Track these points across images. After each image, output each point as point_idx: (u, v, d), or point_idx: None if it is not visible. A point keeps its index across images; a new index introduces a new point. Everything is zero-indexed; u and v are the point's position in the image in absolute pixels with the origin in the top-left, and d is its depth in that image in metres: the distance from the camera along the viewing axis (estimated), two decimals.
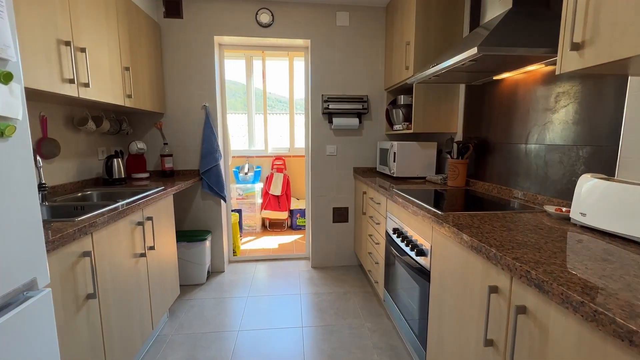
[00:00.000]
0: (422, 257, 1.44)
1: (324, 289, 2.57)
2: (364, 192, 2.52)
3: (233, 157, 4.25)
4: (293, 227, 4.22)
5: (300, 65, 4.28)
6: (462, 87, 2.18)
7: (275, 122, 7.06)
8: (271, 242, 3.73)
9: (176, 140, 2.69)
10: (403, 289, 1.70)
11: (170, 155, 2.60)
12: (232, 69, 4.60)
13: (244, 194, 4.04)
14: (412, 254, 1.53)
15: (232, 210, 3.47)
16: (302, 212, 4.19)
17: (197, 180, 2.60)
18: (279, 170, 4.28)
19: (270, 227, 4.26)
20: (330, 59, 2.75)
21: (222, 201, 2.81)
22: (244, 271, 2.91)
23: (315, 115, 2.80)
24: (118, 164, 2.19)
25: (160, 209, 1.91)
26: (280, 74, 4.55)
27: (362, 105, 2.75)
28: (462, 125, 2.19)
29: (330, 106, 2.71)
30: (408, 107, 2.56)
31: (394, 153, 2.36)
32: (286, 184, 4.19)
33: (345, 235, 2.99)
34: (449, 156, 2.29)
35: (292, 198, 4.32)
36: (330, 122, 2.78)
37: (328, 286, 2.61)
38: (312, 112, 2.80)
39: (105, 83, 1.75)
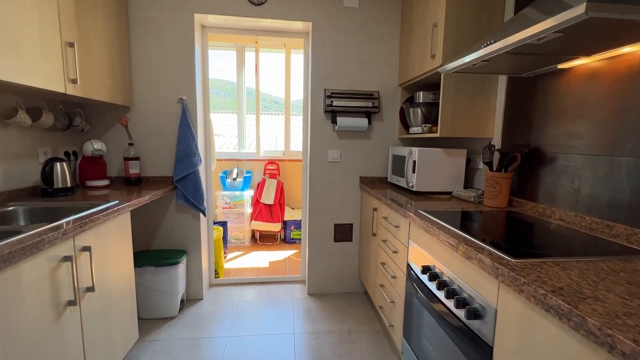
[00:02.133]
0: (477, 321, 0.98)
1: (324, 325, 2.09)
2: (375, 209, 2.06)
3: (220, 160, 3.76)
4: (287, 241, 3.74)
5: (298, 59, 3.82)
6: (502, 81, 1.74)
7: (269, 123, 6.59)
8: (261, 258, 3.25)
9: (145, 140, 2.20)
10: (434, 347, 1.24)
11: (137, 159, 2.11)
12: (221, 63, 4.13)
13: (231, 203, 3.55)
14: (458, 312, 1.07)
15: (216, 224, 2.98)
16: (297, 224, 3.72)
17: (170, 190, 2.12)
18: (272, 176, 3.81)
19: (260, 239, 3.78)
20: (334, 47, 2.29)
21: (201, 215, 2.33)
22: (226, 298, 2.42)
23: (316, 113, 2.34)
24: (62, 170, 1.69)
25: (106, 233, 1.42)
26: (275, 71, 4.09)
27: (373, 103, 2.29)
28: (501, 128, 1.75)
29: (335, 103, 2.25)
30: (429, 105, 2.11)
31: (414, 162, 1.91)
32: (280, 192, 3.72)
33: (349, 257, 2.53)
34: (486, 167, 1.84)
35: (286, 207, 3.84)
36: (334, 122, 2.32)
37: (328, 322, 2.13)
38: (312, 109, 2.34)
39: (28, 59, 1.26)
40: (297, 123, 5.92)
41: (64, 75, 1.47)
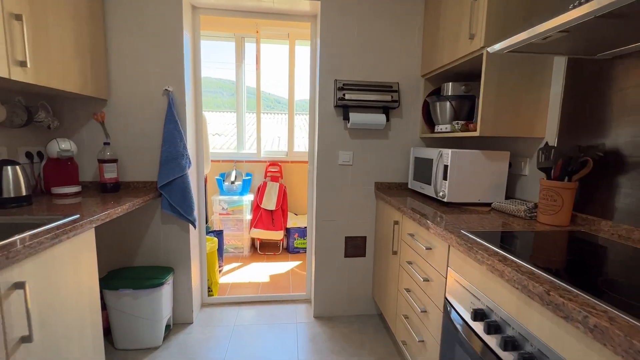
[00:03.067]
0: None
1: None
2: (396, 223, 1.72)
3: (216, 161, 3.44)
4: (289, 250, 3.41)
5: (303, 52, 3.49)
6: (559, 67, 1.40)
7: (271, 123, 6.25)
8: (261, 271, 2.92)
9: (125, 139, 1.88)
10: None
11: (114, 161, 1.78)
12: (221, 55, 3.81)
13: (228, 208, 3.23)
14: None
15: (210, 233, 2.65)
16: (302, 232, 3.39)
17: (154, 198, 1.80)
18: (274, 179, 3.48)
19: (261, 248, 3.45)
20: (346, 31, 1.96)
21: (191, 226, 2.00)
22: (220, 322, 2.09)
23: (325, 109, 2.01)
24: (14, 175, 1.37)
25: (57, 258, 1.09)
26: (278, 65, 3.77)
27: (391, 97, 1.96)
28: (557, 126, 1.40)
29: (347, 96, 1.91)
30: (460, 99, 1.77)
31: (445, 166, 1.57)
32: (282, 197, 3.39)
33: (362, 275, 2.19)
34: (536, 174, 1.50)
35: (289, 213, 3.51)
36: (346, 118, 1.98)
37: (340, 355, 1.80)
38: (321, 104, 2.00)
39: None
40: (302, 123, 5.58)
41: (8, 56, 1.15)
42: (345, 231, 2.13)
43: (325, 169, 2.06)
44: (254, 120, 3.55)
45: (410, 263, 1.53)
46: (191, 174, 2.01)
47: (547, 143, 1.33)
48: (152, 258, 1.98)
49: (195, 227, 1.96)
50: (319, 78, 1.98)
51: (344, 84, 1.92)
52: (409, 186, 2.01)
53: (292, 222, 3.43)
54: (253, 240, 3.47)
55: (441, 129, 1.85)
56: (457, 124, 1.69)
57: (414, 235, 1.50)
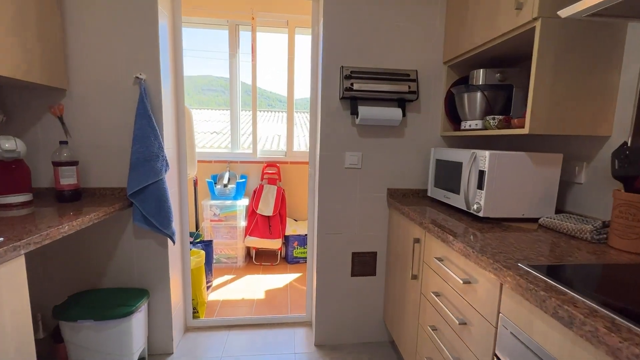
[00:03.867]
0: None
1: None
2: (417, 241, 1.40)
3: (206, 162, 3.12)
4: (288, 260, 3.10)
5: (303, 41, 3.17)
6: (636, 43, 1.08)
7: (268, 120, 5.93)
8: (256, 285, 2.61)
9: (89, 138, 1.56)
10: None
11: (73, 164, 1.47)
12: (214, 43, 3.51)
13: (220, 215, 2.92)
14: None
15: (197, 244, 2.34)
16: (302, 240, 3.07)
17: (122, 209, 1.48)
18: (272, 181, 3.17)
19: (257, 258, 3.13)
20: (355, 9, 1.64)
21: (169, 240, 1.69)
22: (206, 352, 1.78)
23: (329, 102, 1.69)
24: None
25: None
26: (276, 58, 3.45)
27: (409, 87, 1.63)
28: (632, 121, 1.08)
29: (356, 86, 1.59)
30: (495, 89, 1.45)
31: (481, 172, 1.25)
32: (280, 201, 3.08)
33: (371, 297, 1.88)
34: (609, 184, 1.18)
35: (287, 219, 3.20)
36: (354, 113, 1.66)
37: None
38: (324, 96, 1.68)
39: None
40: (302, 121, 5.28)
41: None
42: (352, 246, 1.82)
43: (329, 173, 1.74)
44: (250, 117, 3.23)
45: (437, 295, 1.21)
46: (170, 178, 1.70)
47: (625, 143, 1.01)
48: (124, 278, 1.67)
49: (174, 242, 1.64)
50: (322, 65, 1.66)
51: (351, 72, 1.60)
52: (429, 194, 1.69)
53: (292, 229, 3.12)
54: (248, 249, 3.16)
55: (469, 126, 1.53)
56: (494, 119, 1.36)
57: (442, 261, 1.18)
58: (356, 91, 1.59)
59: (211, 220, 2.91)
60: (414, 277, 1.42)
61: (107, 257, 1.64)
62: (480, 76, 1.50)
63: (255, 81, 3.06)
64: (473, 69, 1.58)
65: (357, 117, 1.65)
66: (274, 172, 3.18)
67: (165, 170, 1.58)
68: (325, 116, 1.70)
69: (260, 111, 3.15)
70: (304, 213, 3.35)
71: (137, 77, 1.52)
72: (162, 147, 1.56)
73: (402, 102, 1.68)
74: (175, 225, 1.78)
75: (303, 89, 3.56)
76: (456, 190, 1.42)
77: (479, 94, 1.48)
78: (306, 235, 3.09)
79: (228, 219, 2.92)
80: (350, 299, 1.86)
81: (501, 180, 1.23)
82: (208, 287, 2.36)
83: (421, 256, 1.37)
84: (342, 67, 1.62)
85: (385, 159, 1.76)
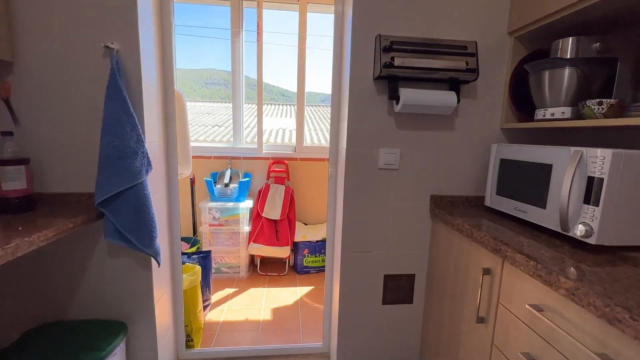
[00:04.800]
0: None
1: None
2: (487, 271, 1.02)
3: (207, 157, 2.75)
4: (297, 269, 2.74)
5: (317, 20, 2.77)
6: None
7: (272, 115, 5.53)
8: (261, 302, 2.25)
9: (44, 127, 1.19)
10: None
11: (23, 163, 1.10)
12: (212, 24, 3.12)
13: (220, 218, 2.55)
14: None
15: (192, 257, 1.97)
16: (313, 247, 2.71)
17: (91, 221, 1.12)
18: (279, 180, 2.79)
19: (262, 267, 2.77)
20: None
21: (154, 261, 1.32)
22: None
23: (360, 83, 1.30)
24: None
25: None
26: (284, 44, 3.05)
27: (466, 62, 1.24)
28: None
29: (397, 61, 1.20)
30: (593, 64, 1.06)
31: (591, 180, 0.86)
32: (289, 203, 2.71)
33: (406, 328, 1.51)
34: None
35: (297, 223, 2.83)
36: (394, 97, 1.28)
37: None
38: (353, 77, 1.29)
39: None
40: (313, 115, 4.90)
41: None
42: (384, 267, 1.44)
43: (357, 175, 1.36)
44: (253, 110, 2.84)
45: (530, 359, 0.83)
46: (154, 180, 1.32)
47: None
48: (96, 308, 1.31)
49: (159, 263, 1.27)
50: (350, 34, 1.27)
51: (392, 43, 1.21)
52: (488, 204, 1.31)
53: (301, 234, 2.75)
54: (252, 257, 2.80)
55: (552, 115, 1.14)
56: (600, 104, 0.97)
57: (543, 311, 0.80)
58: (398, 68, 1.20)
59: (210, 225, 2.54)
60: (481, 320, 1.04)
61: (73, 283, 1.28)
62: (569, 47, 1.10)
63: (261, 64, 2.66)
64: (550, 39, 1.19)
65: (396, 103, 1.27)
66: (282, 169, 2.80)
67: (147, 171, 1.20)
68: (354, 102, 1.31)
69: (264, 104, 2.76)
70: (316, 216, 2.98)
71: (107, 47, 1.14)
72: (142, 140, 1.18)
73: (455, 84, 1.29)
74: (163, 240, 1.41)
75: (312, 81, 3.17)
76: (539, 203, 1.03)
77: (567, 71, 1.09)
78: (318, 242, 2.73)
79: (229, 224, 2.56)
80: (380, 332, 1.49)
81: (627, 193, 0.84)
82: (205, 307, 2.01)
83: (494, 294, 0.99)
84: (380, 36, 1.23)
85: (429, 158, 1.38)
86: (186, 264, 1.81)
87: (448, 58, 1.22)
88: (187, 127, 1.84)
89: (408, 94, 1.22)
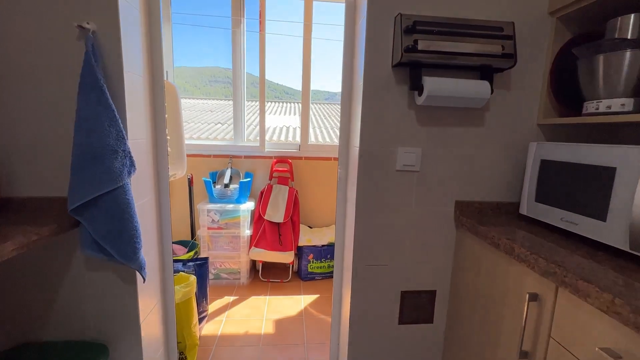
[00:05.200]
0: None
1: None
2: (533, 297, 0.84)
3: (206, 156, 2.59)
4: (302, 276, 2.57)
5: (323, 8, 2.59)
6: None
7: (275, 112, 5.36)
8: (262, 312, 2.08)
9: (7, 122, 1.03)
10: None
11: None
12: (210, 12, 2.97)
13: (220, 221, 2.39)
14: None
15: (187, 265, 1.81)
16: (318, 252, 2.54)
17: (64, 230, 0.95)
18: (282, 180, 2.63)
19: (264, 272, 2.61)
20: None
21: (139, 275, 1.16)
22: None
23: (376, 71, 1.12)
24: None
25: None
26: (286, 49, 2.88)
27: (502, 46, 1.05)
28: None
29: (422, 44, 1.02)
30: None
31: None
32: (293, 205, 2.54)
33: (427, 351, 1.33)
34: None
35: (301, 226, 2.66)
36: (416, 87, 1.10)
37: None
38: (368, 63, 1.12)
39: None
40: (319, 112, 4.75)
41: None
42: (401, 282, 1.27)
43: (372, 178, 1.18)
44: (254, 107, 2.68)
45: None
46: (139, 183, 1.16)
47: None
48: (75, 327, 1.15)
49: (144, 278, 1.11)
50: (366, 12, 1.09)
51: (415, 23, 1.03)
52: (524, 212, 1.13)
53: (306, 238, 2.58)
54: (254, 262, 2.63)
55: (609, 107, 0.95)
56: None
57: (622, 358, 0.62)
58: (422, 53, 1.02)
59: (209, 228, 2.38)
60: (524, 355, 0.86)
61: (47, 299, 1.12)
62: (631, 25, 0.92)
63: (264, 55, 2.49)
64: (598, 21, 1.00)
65: (419, 94, 1.09)
66: (286, 169, 2.63)
67: (129, 173, 1.04)
68: (369, 93, 1.13)
69: (267, 102, 2.60)
70: (321, 219, 2.81)
71: (82, 28, 0.97)
72: (124, 137, 1.01)
73: (487, 72, 1.11)
74: (151, 249, 1.25)
75: (317, 79, 2.98)
76: (596, 214, 0.85)
77: (628, 55, 0.91)
78: (324, 246, 2.57)
79: (229, 227, 2.40)
80: (396, 354, 1.32)
81: None
82: (202, 319, 1.85)
83: (543, 325, 0.81)
84: (401, 15, 1.05)
85: (455, 158, 1.20)
86: (180, 273, 1.65)
87: (481, 41, 1.04)
88: (181, 123, 1.68)
89: (434, 84, 1.04)
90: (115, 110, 0.99)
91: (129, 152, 1.04)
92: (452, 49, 1.02)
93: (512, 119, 1.19)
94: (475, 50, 1.03)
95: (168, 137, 1.44)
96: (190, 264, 1.83)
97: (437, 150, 1.19)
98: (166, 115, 1.42)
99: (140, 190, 1.16)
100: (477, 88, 1.06)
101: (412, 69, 1.08)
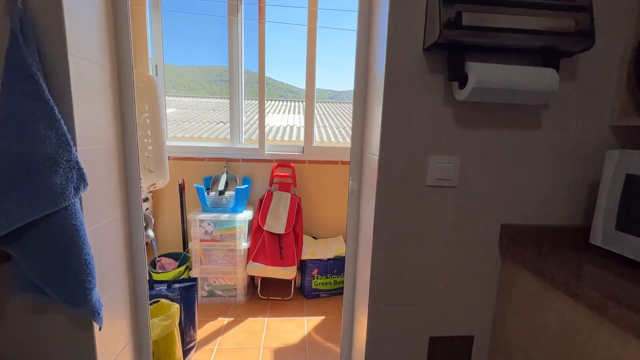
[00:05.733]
0: None
1: None
2: None
3: (200, 159, 2.34)
4: (305, 293, 2.31)
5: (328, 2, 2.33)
6: None
7: (276, 111, 5.10)
8: (260, 339, 1.83)
9: None
10: None
11: None
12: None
13: (214, 232, 2.14)
14: None
15: (171, 287, 1.55)
16: (324, 266, 2.28)
17: None
18: (284, 187, 2.37)
19: (263, 289, 2.35)
20: None
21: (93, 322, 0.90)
22: None
23: (402, 56, 0.85)
24: None
25: None
26: (288, 42, 2.62)
27: (576, 22, 0.78)
28: None
29: (467, 18, 0.75)
30: None
31: None
32: (296, 214, 2.28)
33: None
34: None
35: (304, 237, 2.40)
36: (458, 77, 0.83)
37: None
38: (392, 46, 0.85)
39: None
40: (324, 111, 4.52)
41: None
42: (430, 326, 1.00)
43: (395, 194, 0.92)
44: (253, 106, 2.42)
45: None
46: (103, 200, 0.90)
47: None
48: None
49: (100, 326, 0.86)
50: None
51: None
52: (598, 242, 0.85)
53: (310, 251, 2.32)
54: (252, 277, 2.38)
55: None
56: None
57: None
58: (467, 30, 0.75)
59: (201, 240, 2.13)
60: None
61: None
62: None
63: (264, 47, 2.23)
64: None
65: (460, 87, 0.82)
66: (287, 174, 2.37)
67: (77, 189, 0.79)
68: (392, 85, 0.87)
69: (268, 100, 2.34)
70: (326, 229, 2.55)
71: (9, 1, 0.72)
72: (68, 144, 0.76)
73: (552, 57, 0.84)
74: (119, 281, 1.00)
75: (321, 78, 2.71)
76: None
77: None
78: (329, 260, 2.30)
79: (224, 239, 2.14)
80: None
81: None
82: (189, 350, 1.60)
83: None
84: None
85: (502, 171, 0.93)
86: (161, 301, 1.40)
87: (547, 14, 0.77)
88: (161, 124, 1.42)
89: (483, 72, 0.77)
90: (54, 107, 0.74)
91: (77, 163, 0.78)
92: (510, 24, 0.75)
93: (576, 118, 0.92)
94: (542, 26, 0.76)
95: (147, 141, 1.19)
96: (176, 285, 1.58)
97: (478, 159, 0.92)
98: (145, 115, 1.17)
99: (98, 211, 0.91)
100: (541, 78, 0.78)
101: (453, 53, 0.81)
